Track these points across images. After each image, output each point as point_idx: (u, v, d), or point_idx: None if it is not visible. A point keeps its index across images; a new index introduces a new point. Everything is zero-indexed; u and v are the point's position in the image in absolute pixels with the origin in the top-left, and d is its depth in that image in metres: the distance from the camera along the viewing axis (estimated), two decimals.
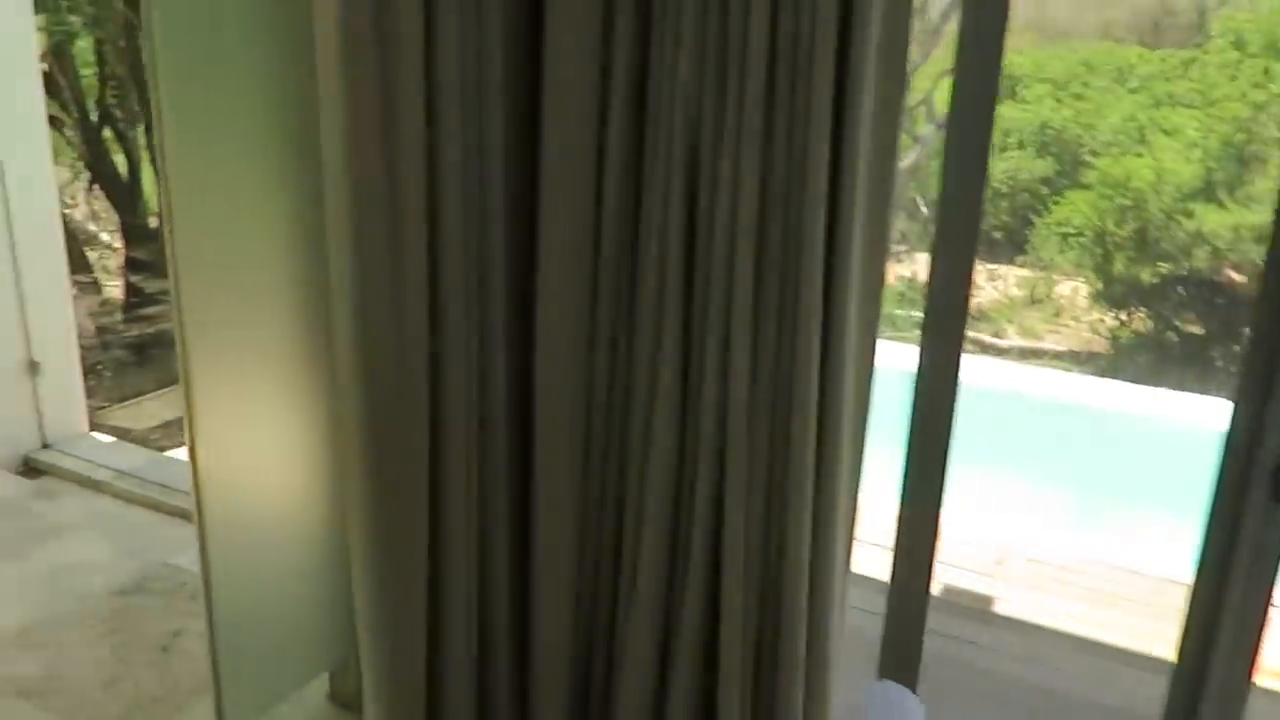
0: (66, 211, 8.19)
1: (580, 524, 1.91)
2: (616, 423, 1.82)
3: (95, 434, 3.68)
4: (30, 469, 3.45)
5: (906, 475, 1.91)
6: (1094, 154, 10.93)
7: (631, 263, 1.72)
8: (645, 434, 1.75)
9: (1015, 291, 10.89)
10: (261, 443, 1.97)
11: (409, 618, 1.90)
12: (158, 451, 3.89)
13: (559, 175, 1.69)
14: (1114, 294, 10.53)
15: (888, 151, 1.61)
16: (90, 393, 4.12)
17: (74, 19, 6.38)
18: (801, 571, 1.74)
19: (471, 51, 1.60)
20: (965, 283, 1.73)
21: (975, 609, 2.84)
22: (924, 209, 10.64)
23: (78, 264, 7.56)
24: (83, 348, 3.73)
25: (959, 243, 1.70)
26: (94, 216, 8.92)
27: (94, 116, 7.73)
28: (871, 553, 2.22)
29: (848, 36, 1.50)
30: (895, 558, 1.97)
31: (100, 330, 6.82)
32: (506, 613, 1.98)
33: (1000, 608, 3.13)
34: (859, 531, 1.85)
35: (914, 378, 1.84)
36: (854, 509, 1.83)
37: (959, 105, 1.62)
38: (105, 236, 8.74)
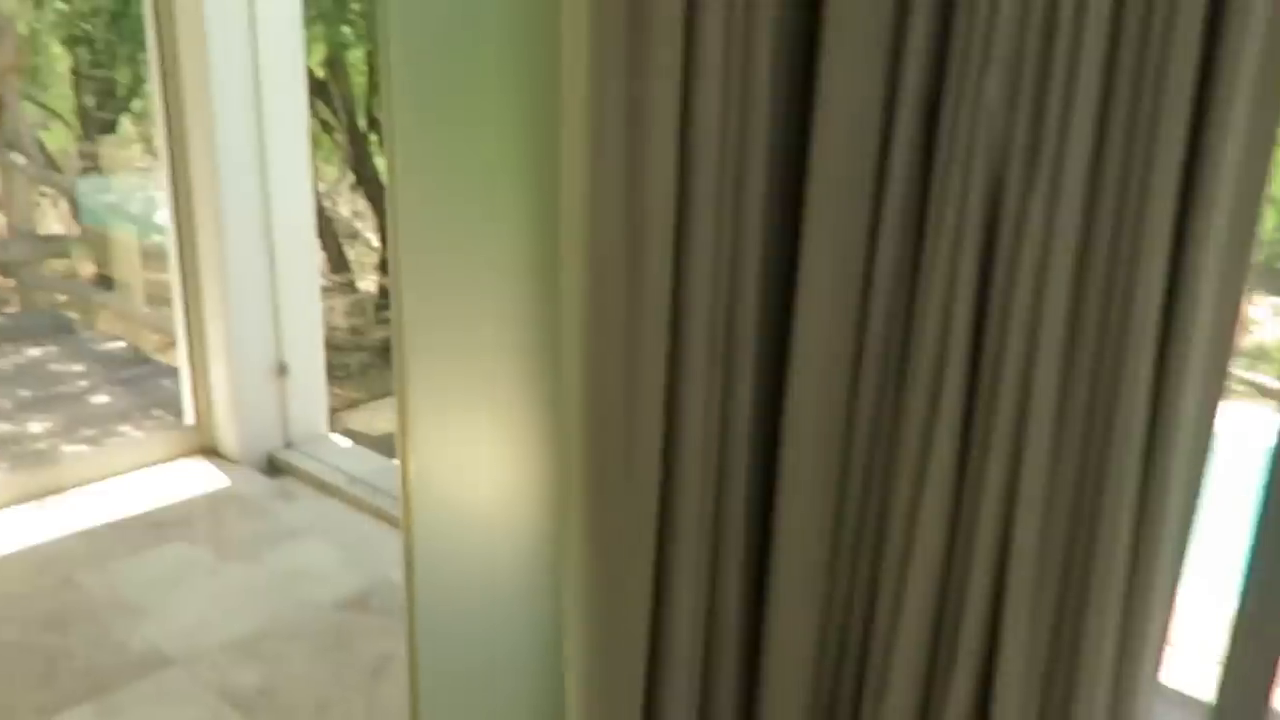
0: (331, 206, 8.71)
1: (824, 606, 1.66)
2: (873, 501, 1.56)
3: (334, 435, 3.75)
4: (273, 467, 3.54)
5: (1250, 570, 1.53)
6: None
7: (906, 318, 1.46)
8: (909, 517, 1.48)
9: None
10: (477, 463, 1.87)
11: (625, 676, 1.72)
12: (392, 455, 3.94)
13: (827, 209, 1.44)
14: None
15: (1252, 190, 1.27)
16: (335, 391, 4.23)
17: (347, 30, 6.71)
18: (1098, 684, 1.43)
19: (737, 58, 1.38)
20: None
21: None
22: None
23: (337, 263, 8.00)
24: (334, 348, 3.83)
25: None
26: (357, 215, 9.46)
27: (362, 122, 8.16)
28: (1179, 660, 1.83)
29: (1216, 41, 1.18)
30: (1224, 673, 1.60)
31: (352, 330, 7.15)
32: (733, 698, 1.76)
33: None
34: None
35: (1274, 446, 1.47)
36: (1170, 610, 1.49)
37: None
38: (368, 234, 9.24)
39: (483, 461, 1.87)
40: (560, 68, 1.47)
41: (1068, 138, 1.26)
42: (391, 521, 3.13)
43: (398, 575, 2.82)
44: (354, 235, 9.43)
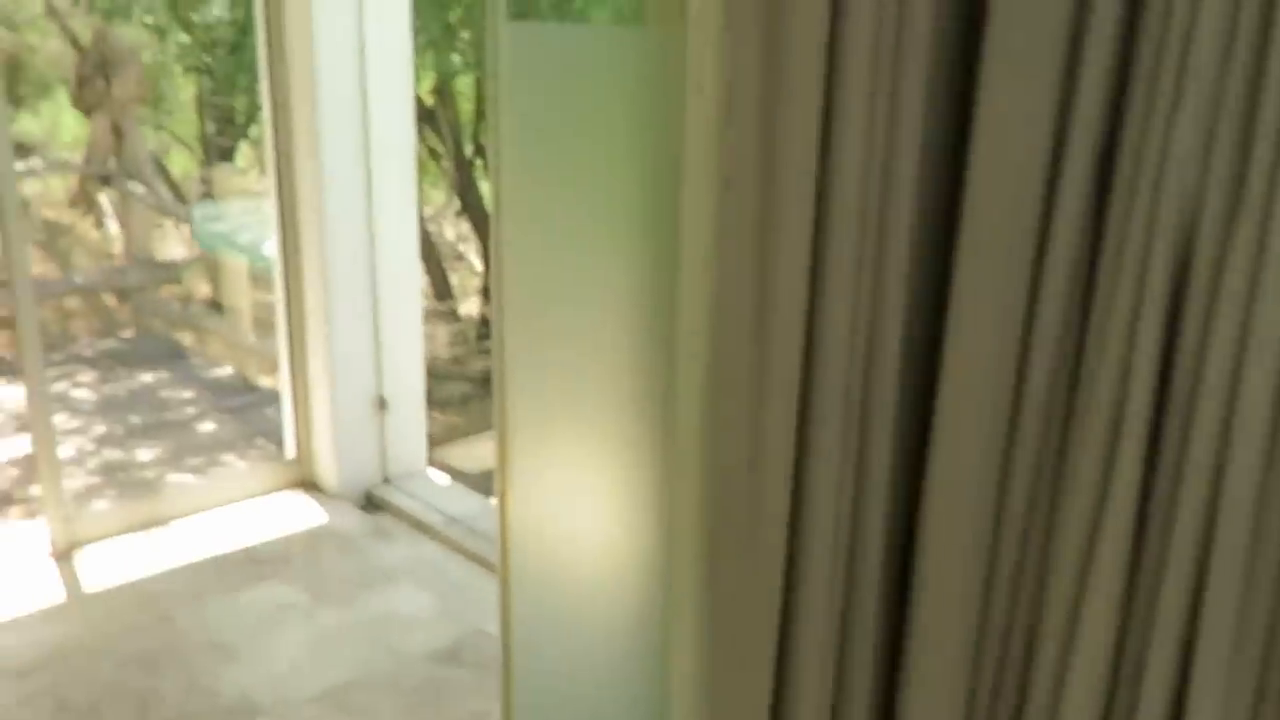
0: (436, 231, 8.78)
1: (967, 699, 1.48)
2: (1022, 609, 1.37)
3: (432, 471, 3.68)
4: (371, 503, 3.48)
5: None
6: None
7: (1069, 394, 1.27)
8: (1067, 631, 1.29)
9: None
10: (580, 510, 1.75)
11: None
12: (490, 493, 3.86)
13: (981, 263, 1.27)
14: None
15: None
16: (435, 415, 4.16)
17: (456, 58, 6.72)
18: None
19: (883, 95, 1.23)
20: None
21: None
22: None
23: (441, 290, 8.03)
24: (435, 376, 3.76)
25: None
26: (461, 238, 9.54)
27: (468, 149, 8.20)
28: None
29: None
30: None
31: (454, 360, 7.14)
32: None
33: None
34: None
35: None
36: None
37: None
38: (472, 257, 9.30)
39: (587, 509, 1.75)
40: (683, 100, 1.35)
41: (1278, 184, 1.06)
42: (488, 566, 3.03)
43: (493, 627, 2.72)
44: (459, 257, 9.51)
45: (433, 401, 3.98)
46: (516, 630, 1.82)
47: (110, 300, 6.48)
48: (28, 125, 10.78)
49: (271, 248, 3.55)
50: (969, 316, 1.28)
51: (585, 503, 1.76)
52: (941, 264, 1.31)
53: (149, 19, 6.60)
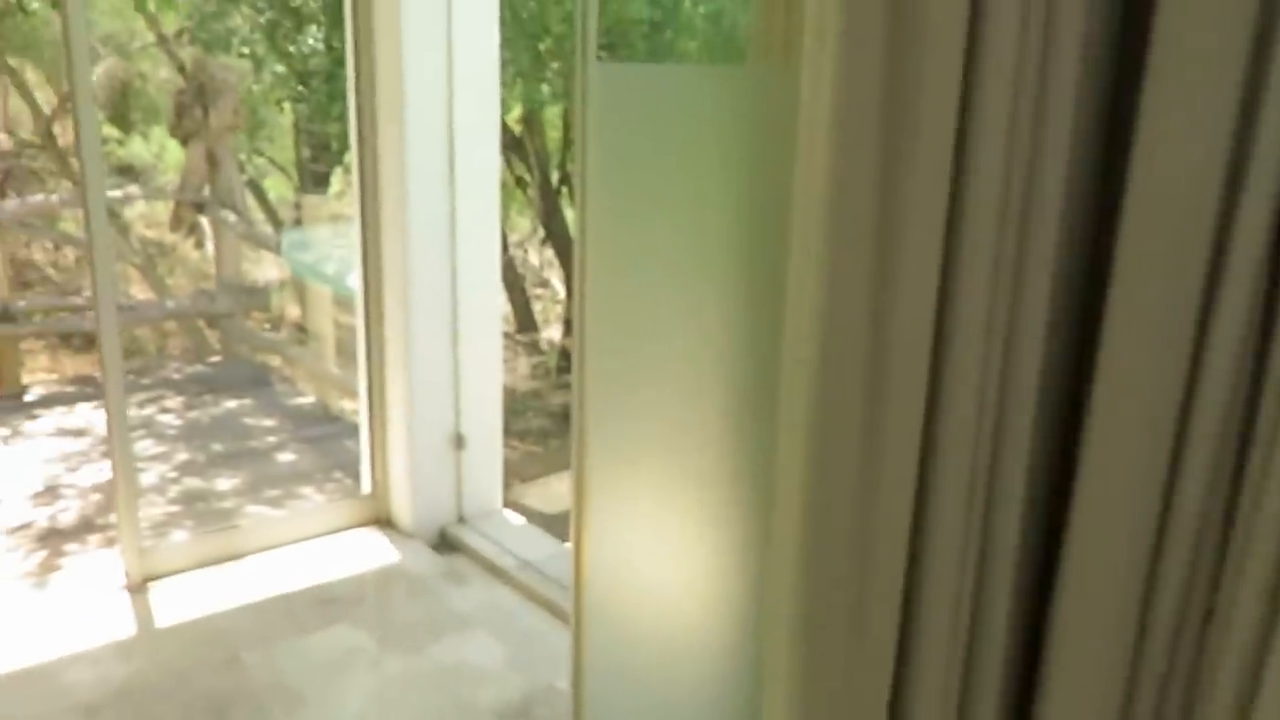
0: (522, 258, 8.78)
1: None
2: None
3: (507, 512, 3.58)
4: (444, 543, 3.40)
5: None
6: None
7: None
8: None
9: None
10: (662, 565, 1.64)
11: None
12: (565, 536, 3.74)
13: (1135, 319, 1.12)
14: None
15: None
16: (513, 444, 4.08)
17: (545, 88, 6.71)
18: None
19: (1026, 118, 1.09)
20: None
21: None
22: None
23: (524, 321, 8.01)
24: (514, 411, 3.68)
25: None
26: (547, 264, 9.55)
27: (554, 177, 8.20)
28: None
29: None
30: None
31: (533, 394, 7.08)
32: None
33: None
34: None
35: None
36: None
37: None
38: (556, 283, 9.29)
39: (668, 554, 1.66)
40: (782, 134, 1.23)
41: None
42: (561, 615, 2.91)
43: (565, 683, 2.60)
44: (543, 284, 9.52)
45: (510, 433, 3.89)
46: (589, 686, 1.72)
47: (201, 325, 6.58)
48: (138, 149, 11.16)
49: (356, 279, 3.51)
50: (1119, 375, 1.14)
51: (666, 548, 1.65)
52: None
53: (246, 50, 6.73)
